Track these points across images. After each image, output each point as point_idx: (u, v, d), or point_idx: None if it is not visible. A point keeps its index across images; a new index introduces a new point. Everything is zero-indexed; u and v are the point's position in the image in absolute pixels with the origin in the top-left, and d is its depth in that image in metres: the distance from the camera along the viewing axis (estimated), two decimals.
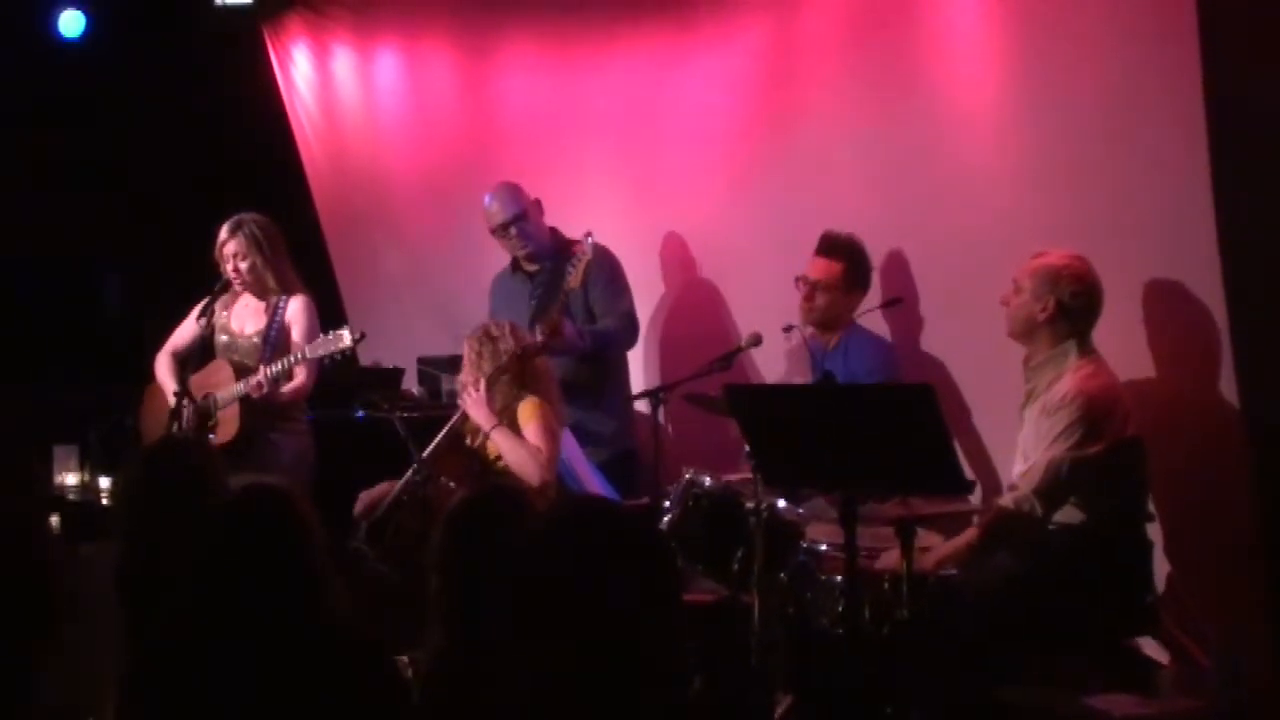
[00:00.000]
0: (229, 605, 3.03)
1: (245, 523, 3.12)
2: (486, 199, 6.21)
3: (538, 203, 6.18)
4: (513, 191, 6.17)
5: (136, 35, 8.08)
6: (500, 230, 6.17)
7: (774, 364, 6.28)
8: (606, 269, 6.05)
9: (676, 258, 6.76)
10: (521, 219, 6.11)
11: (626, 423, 6.14)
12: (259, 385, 5.65)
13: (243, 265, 5.84)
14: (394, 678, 3.17)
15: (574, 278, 5.73)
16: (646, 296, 6.58)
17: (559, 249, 6.12)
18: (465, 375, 5.51)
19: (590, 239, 5.75)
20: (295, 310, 5.87)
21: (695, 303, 6.75)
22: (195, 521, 3.26)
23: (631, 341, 6.21)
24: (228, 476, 3.93)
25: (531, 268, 6.19)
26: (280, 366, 5.67)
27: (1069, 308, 4.71)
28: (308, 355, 5.65)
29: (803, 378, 5.86)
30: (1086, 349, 4.73)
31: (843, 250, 5.65)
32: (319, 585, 3.12)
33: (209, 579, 3.08)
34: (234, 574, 3.05)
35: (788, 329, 5.73)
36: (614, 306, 6.05)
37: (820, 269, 5.66)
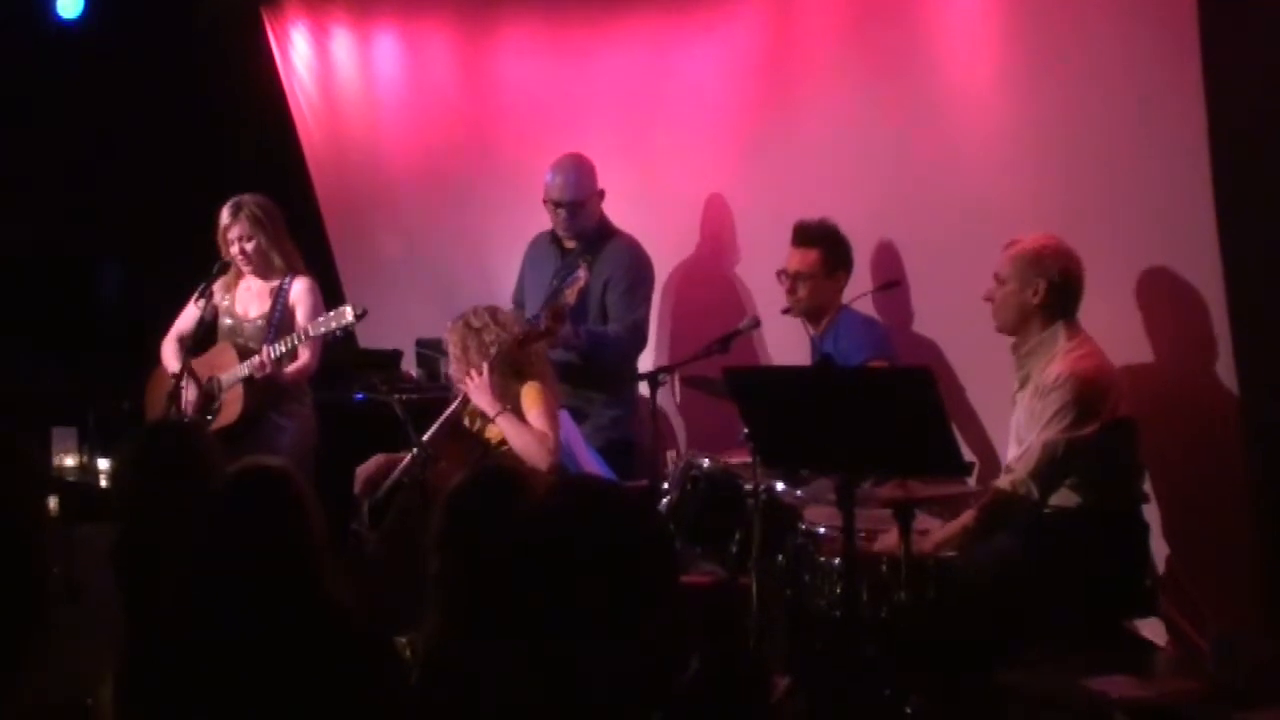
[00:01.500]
0: (227, 585, 3.03)
1: (243, 502, 3.12)
2: (551, 172, 6.08)
3: (602, 193, 6.11)
4: (582, 176, 6.06)
5: (135, 17, 8.06)
6: (552, 206, 6.09)
7: (773, 347, 6.29)
8: (632, 272, 6.03)
9: (675, 240, 6.75)
10: (577, 207, 6.03)
11: (626, 411, 6.13)
12: (262, 365, 5.68)
13: (248, 247, 5.85)
14: (392, 659, 3.17)
15: (571, 294, 5.72)
16: None
17: (600, 237, 6.09)
18: (453, 369, 5.49)
19: (584, 269, 5.76)
20: (300, 292, 5.88)
21: (694, 286, 6.74)
22: (193, 502, 3.25)
23: (635, 350, 6.15)
24: (223, 458, 3.94)
25: (569, 244, 6.16)
26: (284, 346, 5.68)
27: (1059, 286, 4.70)
28: (311, 334, 5.67)
29: (802, 360, 5.86)
30: (1074, 329, 4.73)
31: (817, 236, 5.64)
32: (317, 566, 3.12)
33: (207, 558, 3.08)
34: (232, 554, 3.06)
35: (786, 311, 5.74)
36: (626, 313, 6.01)
37: (797, 260, 5.66)
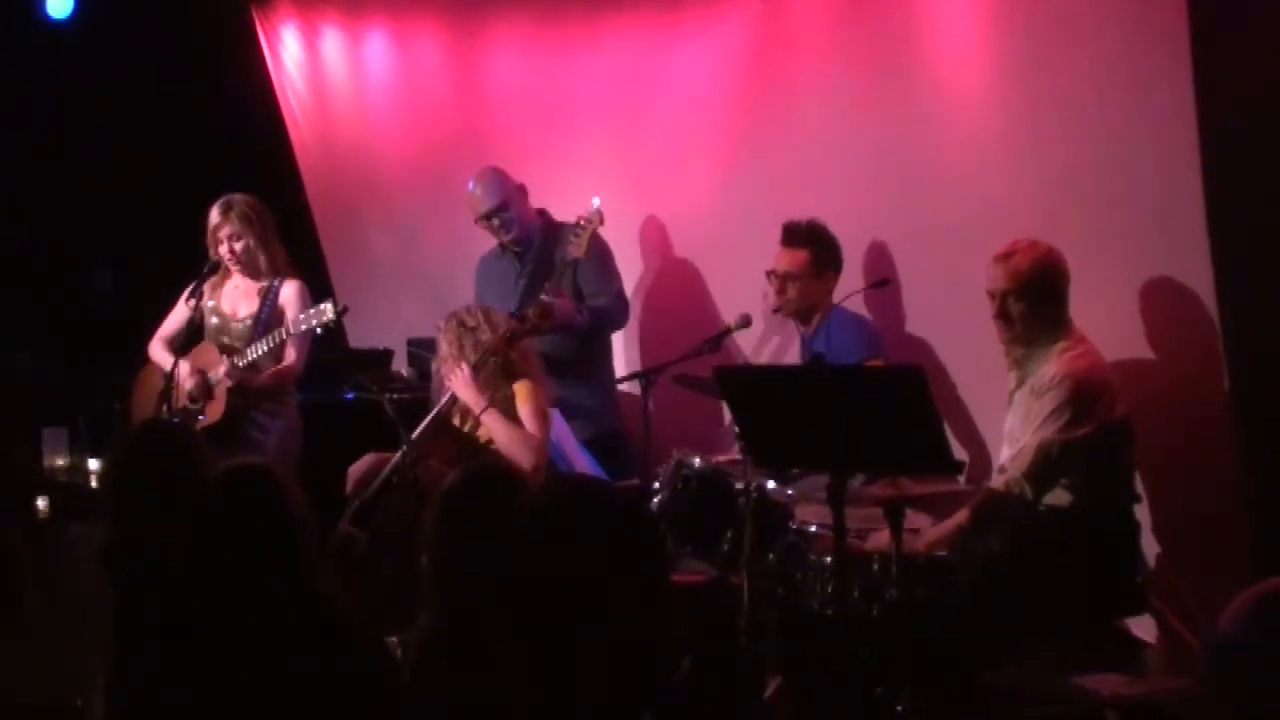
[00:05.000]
0: (218, 585, 3.03)
1: (234, 502, 3.12)
2: (470, 185, 6.14)
3: (521, 187, 6.12)
4: (495, 179, 6.10)
5: (125, 17, 8.04)
6: (483, 220, 6.13)
7: (763, 345, 6.29)
8: (598, 251, 6.04)
9: (665, 239, 6.75)
10: (503, 209, 6.05)
11: (610, 400, 6.13)
12: (230, 372, 5.66)
13: (237, 246, 5.83)
14: (383, 659, 3.17)
15: (577, 246, 5.66)
16: (635, 278, 6.57)
17: (548, 230, 6.09)
18: (444, 367, 5.46)
19: (597, 205, 5.71)
20: (289, 295, 5.86)
21: (684, 284, 6.74)
22: (183, 501, 3.25)
23: (623, 321, 6.19)
24: (212, 457, 3.93)
25: (519, 249, 6.17)
26: (266, 345, 5.67)
27: (1053, 296, 4.72)
28: (292, 332, 5.65)
29: (792, 359, 5.86)
30: (1069, 329, 4.74)
31: (805, 237, 5.64)
32: (308, 566, 3.12)
33: (199, 558, 3.07)
34: (224, 553, 3.05)
35: (777, 310, 5.73)
36: (606, 287, 6.01)
37: (786, 260, 5.65)
